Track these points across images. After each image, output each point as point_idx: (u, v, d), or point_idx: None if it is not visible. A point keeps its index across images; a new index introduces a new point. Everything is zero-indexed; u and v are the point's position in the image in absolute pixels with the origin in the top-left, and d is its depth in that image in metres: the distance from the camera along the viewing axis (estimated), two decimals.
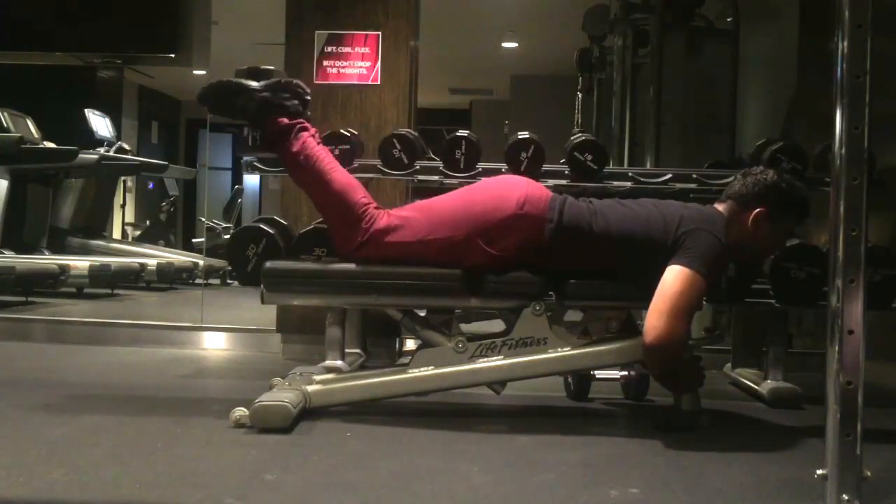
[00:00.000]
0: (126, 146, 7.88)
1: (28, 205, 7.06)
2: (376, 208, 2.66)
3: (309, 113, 2.73)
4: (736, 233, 2.61)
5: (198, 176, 10.33)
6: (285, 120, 2.65)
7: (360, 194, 2.66)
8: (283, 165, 2.82)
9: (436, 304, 2.70)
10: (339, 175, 2.68)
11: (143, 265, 6.95)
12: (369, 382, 2.64)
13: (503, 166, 3.12)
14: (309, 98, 2.72)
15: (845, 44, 1.67)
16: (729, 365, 3.55)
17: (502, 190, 2.65)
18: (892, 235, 3.76)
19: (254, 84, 2.63)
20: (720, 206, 2.68)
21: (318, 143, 2.71)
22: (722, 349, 3.61)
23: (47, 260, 6.41)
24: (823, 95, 1.79)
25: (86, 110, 7.50)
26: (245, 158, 3.19)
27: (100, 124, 7.58)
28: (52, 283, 5.85)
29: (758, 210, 2.62)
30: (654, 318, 2.43)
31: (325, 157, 2.69)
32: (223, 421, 2.43)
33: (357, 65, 3.90)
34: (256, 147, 2.73)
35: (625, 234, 2.59)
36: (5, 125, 6.50)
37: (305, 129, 2.68)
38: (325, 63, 3.91)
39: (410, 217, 2.65)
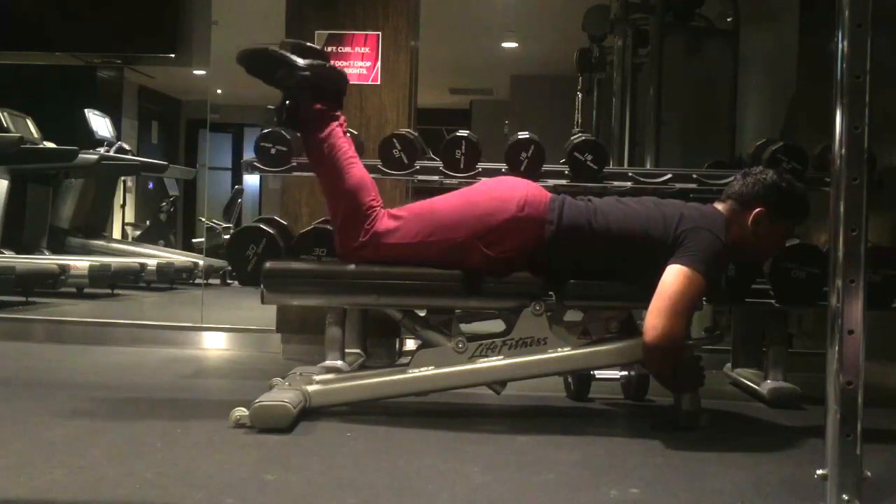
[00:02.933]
0: (126, 146, 7.88)
1: (28, 205, 7.06)
2: (381, 209, 2.66)
3: (342, 104, 2.71)
4: (736, 232, 2.62)
5: (198, 176, 10.33)
6: (318, 105, 2.63)
7: (371, 195, 2.65)
8: (304, 149, 2.78)
9: (436, 304, 2.70)
10: (357, 171, 2.66)
11: (143, 265, 6.96)
12: (369, 382, 2.64)
13: (503, 166, 3.12)
14: (346, 89, 2.70)
15: (845, 44, 1.67)
16: (729, 365, 3.55)
17: (502, 192, 2.64)
18: (892, 235, 3.75)
19: (298, 61, 2.60)
20: (720, 206, 2.68)
21: (345, 135, 2.70)
22: (722, 349, 3.61)
23: (47, 260, 6.41)
24: (823, 95, 1.79)
25: (86, 110, 7.50)
26: (245, 159, 3.19)
27: (100, 124, 7.58)
28: (52, 283, 5.85)
29: (758, 210, 2.62)
30: (654, 318, 2.43)
31: (347, 152, 2.67)
32: (223, 421, 2.43)
33: (357, 65, 3.90)
34: (286, 120, 2.71)
35: (625, 232, 2.59)
36: (5, 125, 6.50)
37: (336, 118, 2.67)
38: None
39: (409, 218, 2.64)
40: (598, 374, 3.02)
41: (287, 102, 2.65)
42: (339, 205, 2.66)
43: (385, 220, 2.63)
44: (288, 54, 2.61)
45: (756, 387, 3.17)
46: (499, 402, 2.83)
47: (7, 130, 6.46)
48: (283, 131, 3.27)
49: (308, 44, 2.69)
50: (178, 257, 7.78)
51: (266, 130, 3.29)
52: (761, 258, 2.84)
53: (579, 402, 3.00)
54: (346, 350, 3.19)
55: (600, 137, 4.93)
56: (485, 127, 9.50)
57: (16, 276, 5.29)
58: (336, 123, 2.66)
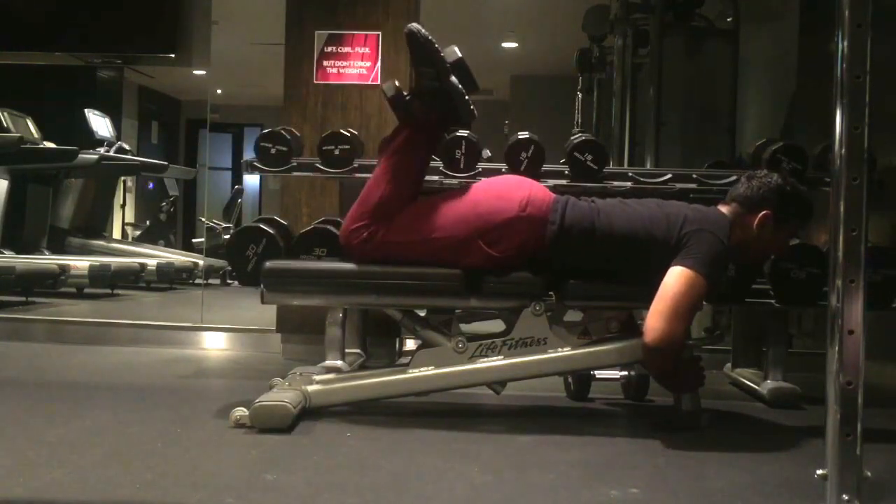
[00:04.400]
0: (126, 146, 7.88)
1: (28, 205, 7.06)
2: None
3: (447, 130, 2.78)
4: (739, 235, 2.62)
5: (198, 176, 10.33)
6: (432, 117, 2.65)
7: (403, 207, 2.66)
8: (392, 132, 2.77)
9: (436, 304, 2.70)
10: (408, 191, 2.68)
11: (143, 265, 6.96)
12: (369, 382, 2.64)
13: (503, 166, 3.12)
14: (463, 125, 2.74)
15: (845, 44, 1.67)
16: (729, 365, 3.55)
17: (504, 191, 2.65)
18: (892, 235, 3.75)
19: (449, 75, 2.60)
20: (724, 208, 2.68)
21: (428, 154, 2.77)
22: (722, 349, 3.62)
23: (47, 260, 6.41)
24: (823, 95, 1.79)
25: (86, 110, 7.49)
26: (245, 159, 3.18)
27: (100, 124, 7.58)
28: (52, 283, 5.85)
29: (763, 213, 2.62)
30: (654, 319, 2.43)
31: (415, 169, 2.71)
32: (223, 421, 2.43)
33: (357, 65, 3.90)
34: (397, 102, 2.69)
35: (628, 234, 2.59)
36: (5, 125, 6.50)
37: (433, 139, 2.75)
38: (325, 63, 3.91)
39: (411, 216, 2.64)
40: (598, 374, 3.02)
41: (412, 95, 2.69)
42: (371, 203, 2.64)
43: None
44: (446, 63, 2.60)
45: (756, 387, 3.17)
46: (499, 402, 2.83)
47: (7, 130, 6.46)
48: (283, 131, 3.27)
49: (468, 66, 2.65)
50: (178, 257, 7.78)
51: (266, 130, 3.29)
52: (763, 260, 2.84)
53: (579, 402, 3.00)
54: (346, 350, 3.19)
55: (600, 137, 4.93)
56: (485, 127, 9.49)
57: (16, 276, 5.29)
58: (428, 142, 2.72)
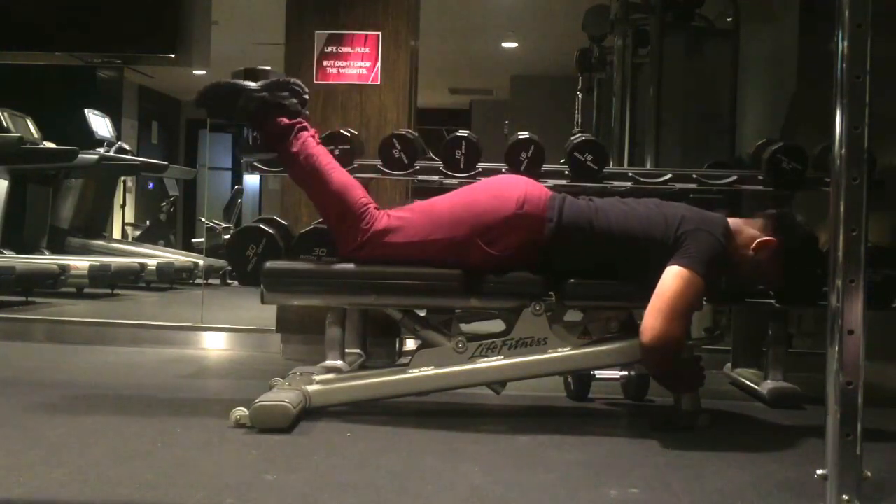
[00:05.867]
0: (126, 146, 7.88)
1: (28, 205, 7.06)
2: (376, 209, 2.66)
3: (307, 112, 2.75)
4: (741, 241, 2.61)
5: (198, 176, 10.34)
6: (285, 120, 2.65)
7: (359, 194, 2.66)
8: (282, 165, 2.83)
9: (436, 304, 2.70)
10: (338, 175, 2.68)
11: (143, 265, 6.96)
12: (369, 382, 2.64)
13: (503, 166, 3.12)
14: (307, 97, 2.72)
15: (845, 44, 1.67)
16: (729, 365, 3.55)
17: (502, 190, 2.65)
18: (892, 235, 3.75)
19: (252, 84, 2.63)
20: (742, 220, 2.67)
21: (318, 143, 2.72)
22: (722, 349, 3.61)
23: (47, 260, 6.41)
24: (823, 95, 1.79)
25: (86, 110, 7.50)
26: (245, 159, 3.18)
27: (100, 124, 7.58)
28: (52, 283, 5.85)
29: (771, 238, 2.60)
30: (652, 318, 2.43)
31: (324, 157, 2.69)
32: (223, 421, 2.43)
33: (357, 65, 3.90)
34: (256, 148, 2.74)
35: (626, 232, 2.59)
36: (5, 125, 6.50)
37: (305, 128, 2.68)
38: (325, 63, 3.91)
39: (410, 217, 2.65)
40: (598, 374, 3.02)
41: (253, 131, 2.68)
42: (330, 211, 2.68)
43: (385, 220, 2.64)
44: (240, 82, 2.63)
45: (756, 387, 3.17)
46: (499, 402, 2.83)
47: (7, 130, 6.46)
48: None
49: (257, 67, 2.69)
50: (178, 257, 7.78)
51: None
52: (751, 284, 2.82)
53: (579, 402, 3.00)
54: (346, 350, 3.19)
55: (600, 137, 4.94)
56: (485, 127, 9.51)
57: (16, 276, 5.29)
58: (307, 133, 2.67)
